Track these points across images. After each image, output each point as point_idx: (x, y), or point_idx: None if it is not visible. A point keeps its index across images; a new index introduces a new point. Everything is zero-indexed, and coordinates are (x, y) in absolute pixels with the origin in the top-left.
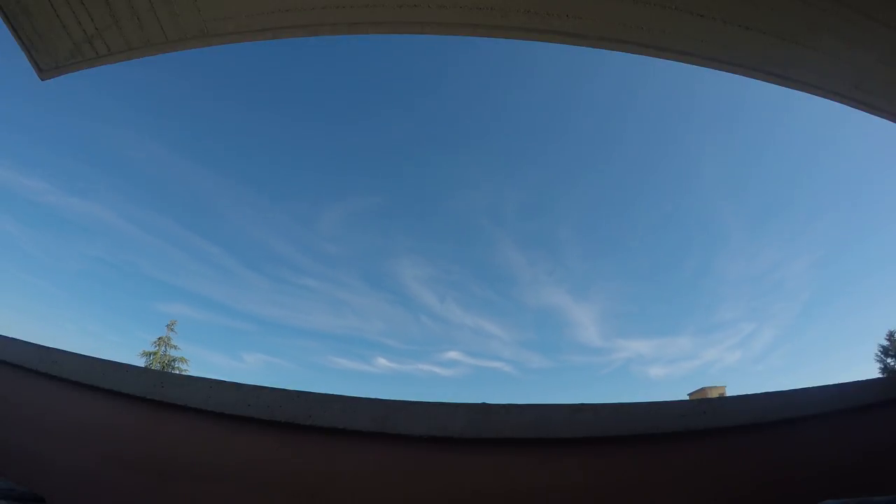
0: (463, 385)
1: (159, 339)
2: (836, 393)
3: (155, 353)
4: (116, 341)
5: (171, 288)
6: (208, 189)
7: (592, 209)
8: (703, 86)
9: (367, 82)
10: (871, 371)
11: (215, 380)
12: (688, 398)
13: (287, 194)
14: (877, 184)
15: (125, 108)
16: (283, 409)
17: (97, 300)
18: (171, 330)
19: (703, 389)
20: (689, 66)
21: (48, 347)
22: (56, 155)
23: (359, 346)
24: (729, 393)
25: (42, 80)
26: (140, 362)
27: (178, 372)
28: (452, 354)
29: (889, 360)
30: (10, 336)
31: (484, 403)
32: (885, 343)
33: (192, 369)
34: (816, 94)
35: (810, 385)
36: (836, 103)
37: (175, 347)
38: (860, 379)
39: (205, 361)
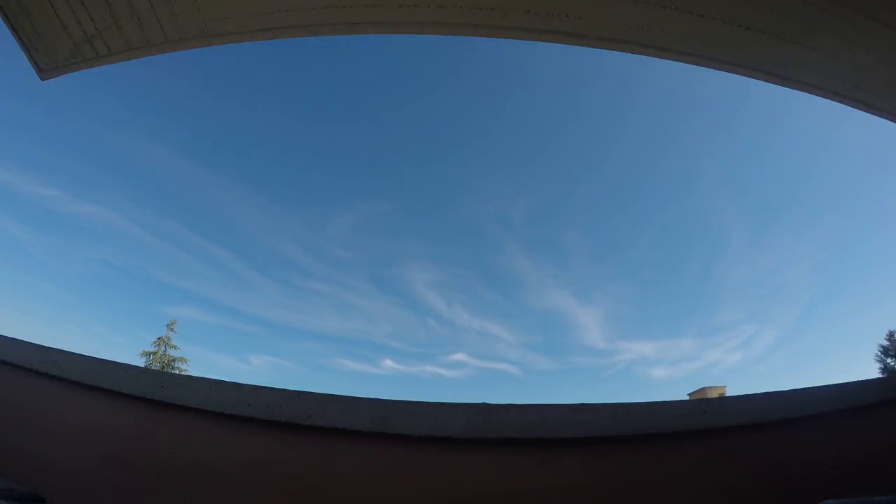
0: (468, 386)
1: (159, 339)
2: (835, 393)
3: (155, 353)
4: (122, 343)
5: (179, 291)
6: (215, 193)
7: (595, 211)
8: (704, 86)
9: (366, 83)
10: (871, 371)
11: (215, 380)
12: (688, 398)
13: (295, 199)
14: (877, 184)
15: (126, 109)
16: (283, 409)
17: (105, 303)
18: (171, 330)
19: (702, 389)
20: (689, 66)
21: (48, 347)
22: (57, 156)
23: (366, 348)
24: (729, 393)
25: (42, 80)
26: (140, 362)
27: (177, 372)
28: (459, 356)
29: (889, 360)
30: (11, 336)
31: (484, 403)
32: (885, 343)
33: (198, 371)
34: (816, 94)
35: (810, 385)
36: (836, 103)
37: (175, 347)
38: (860, 379)
39: (211, 364)
